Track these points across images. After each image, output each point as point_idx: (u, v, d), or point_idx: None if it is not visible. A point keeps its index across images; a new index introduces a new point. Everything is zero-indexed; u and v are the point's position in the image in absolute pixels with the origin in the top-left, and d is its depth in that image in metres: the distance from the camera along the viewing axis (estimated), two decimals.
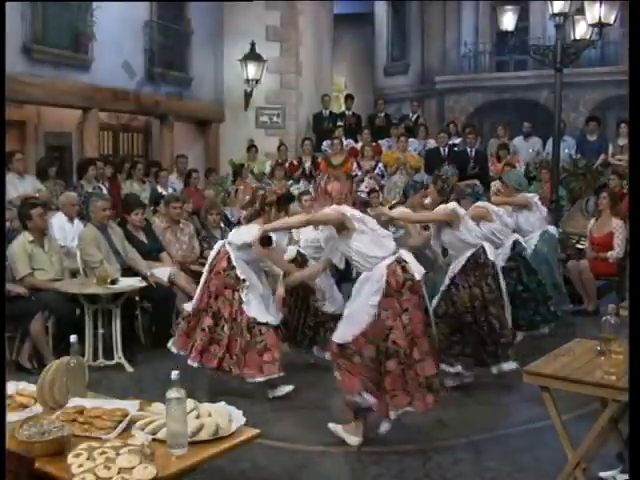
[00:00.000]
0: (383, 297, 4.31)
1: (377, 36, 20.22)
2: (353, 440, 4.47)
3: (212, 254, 5.46)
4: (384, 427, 4.47)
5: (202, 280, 5.41)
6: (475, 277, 5.42)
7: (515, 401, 5.19)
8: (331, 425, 4.56)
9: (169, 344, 5.53)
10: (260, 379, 5.14)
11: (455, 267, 5.48)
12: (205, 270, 5.44)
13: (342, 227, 4.44)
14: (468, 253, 5.44)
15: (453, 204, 5.45)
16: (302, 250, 6.12)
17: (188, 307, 5.45)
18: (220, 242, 5.57)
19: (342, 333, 4.43)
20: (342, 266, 5.48)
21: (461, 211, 5.48)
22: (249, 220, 5.38)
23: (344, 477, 4.12)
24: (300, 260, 6.03)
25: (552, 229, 7.46)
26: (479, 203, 6.21)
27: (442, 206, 5.49)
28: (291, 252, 6.08)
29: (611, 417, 3.47)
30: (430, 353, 4.45)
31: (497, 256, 5.84)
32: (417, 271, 4.44)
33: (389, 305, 4.32)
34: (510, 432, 4.69)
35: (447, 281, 5.49)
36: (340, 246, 4.55)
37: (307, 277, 5.29)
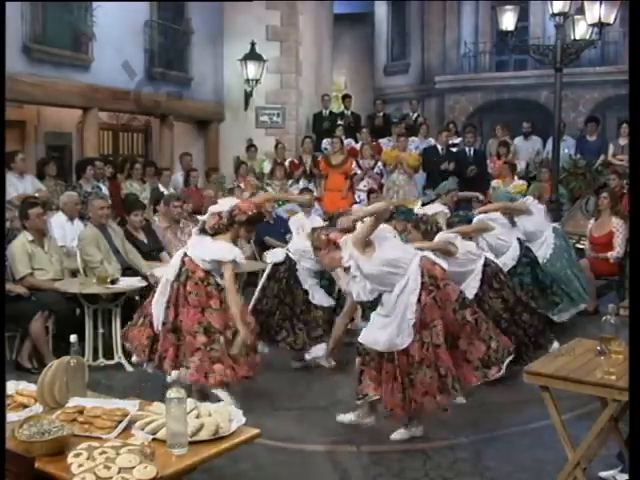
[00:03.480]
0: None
1: (377, 36, 20.22)
2: (419, 431, 4.65)
3: (176, 266, 4.97)
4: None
5: (167, 293, 4.94)
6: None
7: (515, 401, 5.18)
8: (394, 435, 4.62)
9: (134, 359, 5.19)
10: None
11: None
12: (168, 283, 4.96)
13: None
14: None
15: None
16: (292, 255, 5.93)
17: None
18: (180, 252, 5.09)
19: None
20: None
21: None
22: (216, 232, 4.99)
23: (344, 477, 4.12)
24: (288, 264, 5.89)
25: (557, 224, 7.68)
26: (480, 216, 6.33)
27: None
28: (279, 255, 5.99)
29: (611, 417, 3.47)
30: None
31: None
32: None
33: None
34: (510, 432, 4.69)
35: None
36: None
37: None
